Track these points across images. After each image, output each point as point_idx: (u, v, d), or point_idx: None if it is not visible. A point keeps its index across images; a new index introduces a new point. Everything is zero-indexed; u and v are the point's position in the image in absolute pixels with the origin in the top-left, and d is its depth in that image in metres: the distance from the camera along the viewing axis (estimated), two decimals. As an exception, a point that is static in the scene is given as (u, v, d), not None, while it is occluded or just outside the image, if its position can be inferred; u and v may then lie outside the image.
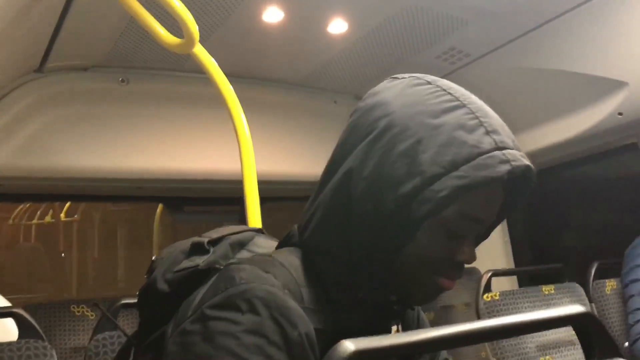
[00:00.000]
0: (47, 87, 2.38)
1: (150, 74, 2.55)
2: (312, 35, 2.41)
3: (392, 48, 2.55)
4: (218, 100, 1.83)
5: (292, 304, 0.75)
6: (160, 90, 2.56)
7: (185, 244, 0.93)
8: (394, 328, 0.92)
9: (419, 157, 0.76)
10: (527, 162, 0.80)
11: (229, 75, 1.82)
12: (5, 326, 1.40)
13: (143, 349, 0.92)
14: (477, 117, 0.80)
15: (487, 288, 1.91)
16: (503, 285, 2.86)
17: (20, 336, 1.32)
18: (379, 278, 0.84)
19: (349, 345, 0.55)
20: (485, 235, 0.91)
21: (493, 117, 0.82)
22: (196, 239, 0.93)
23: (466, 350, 2.68)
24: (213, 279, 0.82)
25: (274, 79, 2.81)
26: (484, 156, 0.76)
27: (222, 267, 0.85)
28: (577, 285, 2.20)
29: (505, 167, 0.77)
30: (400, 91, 0.84)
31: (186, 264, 0.89)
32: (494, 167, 0.76)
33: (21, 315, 1.32)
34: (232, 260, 0.89)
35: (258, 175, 1.79)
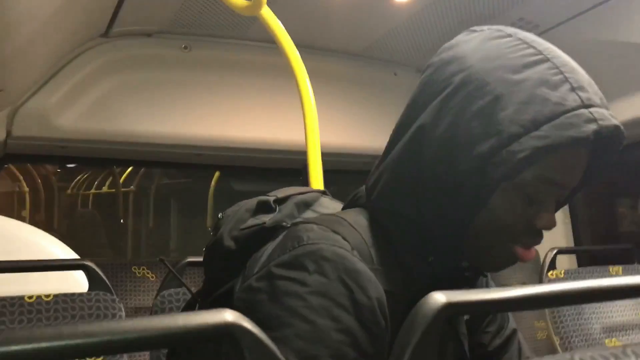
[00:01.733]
0: (112, 52, 2.43)
1: (213, 41, 2.56)
2: (375, 3, 2.36)
3: (456, 19, 2.47)
4: (281, 69, 1.82)
5: (361, 266, 0.73)
6: (222, 58, 2.57)
7: (251, 202, 0.92)
8: None
9: (496, 115, 0.71)
10: (615, 121, 0.74)
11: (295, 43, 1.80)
12: (76, 279, 1.44)
13: (208, 305, 0.93)
14: (562, 72, 0.74)
15: (552, 266, 1.85)
16: (561, 265, 2.78)
17: (90, 288, 1.36)
18: (451, 243, 0.80)
19: (440, 297, 0.52)
20: (566, 200, 0.86)
21: (580, 73, 0.76)
22: (262, 197, 0.92)
23: (523, 329, 2.63)
24: (280, 236, 0.81)
25: (335, 48, 2.78)
26: (568, 114, 0.71)
27: (288, 226, 0.84)
28: (645, 267, 2.11)
29: (591, 127, 0.71)
30: (478, 44, 0.78)
31: (252, 221, 0.88)
32: (578, 127, 0.70)
33: (92, 268, 1.36)
34: (298, 219, 0.87)
35: (321, 147, 1.77)
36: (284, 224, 0.86)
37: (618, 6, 2.26)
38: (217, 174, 3.94)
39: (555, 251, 1.88)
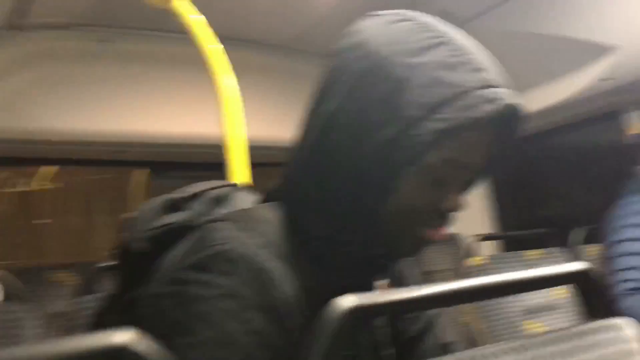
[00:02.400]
0: (26, 45, 2.30)
1: (133, 33, 2.47)
2: (299, -6, 2.35)
3: (381, 10, 2.49)
4: (204, 62, 1.78)
5: (272, 264, 0.71)
6: (143, 51, 2.49)
7: (159, 201, 0.86)
8: (382, 284, 0.90)
9: (398, 100, 0.71)
10: (516, 99, 0.75)
11: (215, 35, 1.76)
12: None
13: (118, 312, 0.87)
14: (461, 54, 0.74)
15: (473, 252, 1.91)
16: (484, 251, 2.88)
17: (5, 297, 1.29)
18: (364, 231, 0.79)
19: (351, 299, 0.53)
20: (473, 181, 0.85)
21: (479, 55, 0.76)
22: (170, 195, 0.87)
23: (447, 314, 2.70)
24: (189, 237, 0.77)
25: (260, 40, 2.75)
26: (468, 95, 0.71)
27: (198, 225, 0.80)
28: (562, 250, 2.22)
29: (490, 107, 0.71)
30: (379, 29, 0.78)
31: (160, 221, 0.82)
32: (477, 107, 0.71)
33: (5, 275, 1.29)
34: (209, 218, 0.82)
35: (247, 140, 1.75)
36: (193, 223, 0.81)
37: (532, -1, 2.35)
38: (144, 170, 3.82)
39: (477, 238, 1.94)
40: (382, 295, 0.56)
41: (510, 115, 0.76)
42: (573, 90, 2.42)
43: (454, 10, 2.49)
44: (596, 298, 0.72)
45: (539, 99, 2.57)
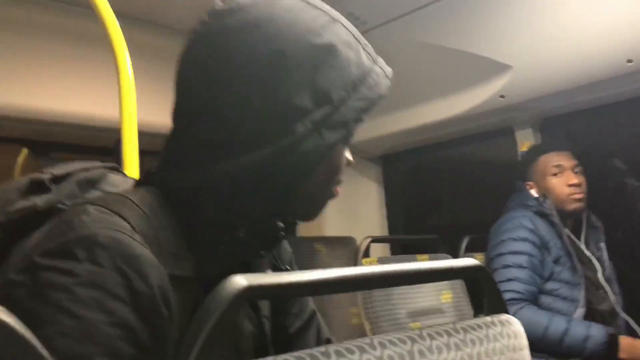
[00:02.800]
0: None
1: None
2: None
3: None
4: (98, 38, 1.64)
5: (143, 250, 0.65)
6: (25, 18, 2.26)
7: (23, 181, 0.78)
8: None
9: (319, 83, 0.73)
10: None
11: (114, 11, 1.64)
12: None
13: None
14: (351, 33, 0.79)
15: (366, 254, 1.92)
16: (376, 254, 2.92)
17: None
18: (274, 208, 0.79)
19: (241, 280, 0.49)
20: None
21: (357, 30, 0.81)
22: (35, 175, 0.78)
23: (338, 315, 2.72)
24: (51, 221, 0.70)
25: (162, 22, 2.62)
26: (371, 74, 0.77)
27: (65, 208, 0.73)
28: (449, 256, 2.29)
29: (386, 81, 0.78)
30: (272, 9, 0.75)
31: (22, 204, 0.74)
32: (381, 84, 0.77)
33: None
34: (77, 200, 0.76)
35: (138, 125, 1.63)
36: (61, 205, 0.74)
37: (439, 10, 2.41)
38: (24, 149, 3.54)
39: (369, 240, 1.95)
40: (273, 276, 0.53)
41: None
42: (472, 104, 2.51)
43: (361, 14, 2.51)
44: (486, 294, 0.72)
45: (440, 110, 2.64)
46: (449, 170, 3.42)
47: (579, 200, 2.20)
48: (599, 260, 2.23)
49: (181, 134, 0.79)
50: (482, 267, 0.71)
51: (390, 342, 0.57)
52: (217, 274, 0.57)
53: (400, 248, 3.21)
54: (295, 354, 0.51)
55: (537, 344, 1.89)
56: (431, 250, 2.32)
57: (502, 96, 2.36)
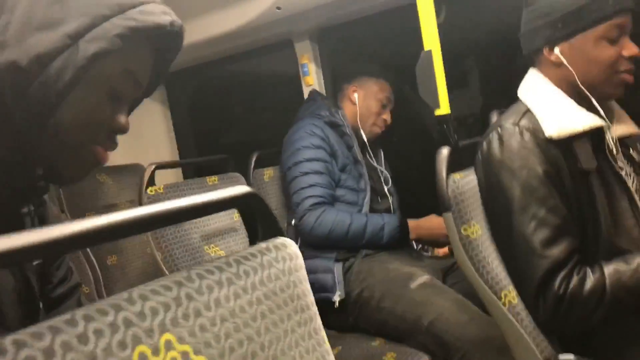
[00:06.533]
0: None
1: None
2: None
3: None
4: None
5: None
6: None
7: None
8: None
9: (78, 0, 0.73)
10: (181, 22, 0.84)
11: None
12: None
13: None
14: None
15: (151, 182, 1.81)
16: (170, 180, 2.82)
17: None
18: (27, 146, 0.72)
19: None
20: (135, 104, 0.89)
21: None
22: None
23: (132, 246, 2.60)
24: None
25: None
26: (147, 5, 0.78)
27: None
28: (239, 175, 2.27)
29: (167, 18, 0.80)
30: None
31: None
32: (159, 15, 0.78)
33: None
34: None
35: None
36: None
37: None
38: None
39: (153, 167, 1.85)
40: (19, 236, 0.43)
41: (175, 34, 0.84)
42: (251, 17, 2.44)
43: None
44: (259, 219, 0.70)
45: (218, 24, 2.53)
46: (235, 86, 3.37)
47: (379, 131, 2.36)
48: (383, 169, 2.41)
49: None
50: (254, 194, 0.68)
51: (153, 291, 0.52)
52: None
53: (194, 171, 3.14)
54: (37, 327, 0.43)
55: (341, 241, 2.02)
56: (222, 170, 2.28)
57: (278, 8, 2.33)
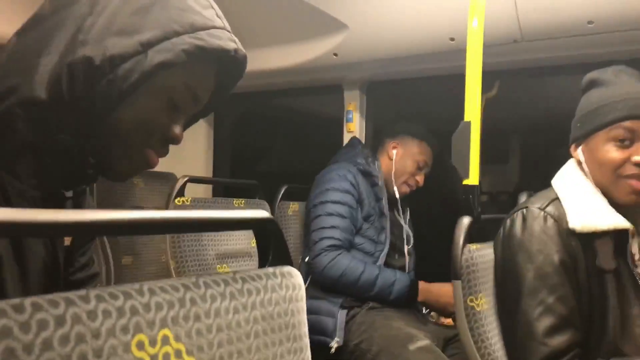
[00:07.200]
0: None
1: None
2: None
3: None
4: None
5: None
6: None
7: None
8: None
9: (156, 13, 0.78)
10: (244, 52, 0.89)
11: None
12: None
13: None
14: (208, 1, 0.86)
15: (181, 193, 1.88)
16: (199, 195, 2.88)
17: None
18: (86, 134, 0.78)
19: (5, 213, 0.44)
20: (192, 120, 0.95)
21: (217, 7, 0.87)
22: None
23: (148, 252, 2.66)
24: None
25: None
26: (217, 30, 0.83)
27: None
28: (265, 202, 2.33)
29: (233, 45, 0.84)
30: None
31: None
32: (225, 40, 0.83)
33: None
34: None
35: None
36: None
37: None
38: None
39: (186, 179, 1.91)
40: (47, 212, 0.48)
41: (238, 62, 0.89)
42: (307, 58, 2.52)
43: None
44: (272, 245, 0.74)
45: (275, 59, 2.63)
46: (278, 120, 3.46)
47: (408, 191, 2.40)
48: (407, 227, 2.43)
49: None
50: (272, 219, 0.72)
51: (162, 288, 0.56)
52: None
53: (223, 191, 3.21)
54: (54, 295, 0.47)
55: (350, 287, 2.04)
56: (250, 195, 2.34)
57: (335, 54, 2.41)
